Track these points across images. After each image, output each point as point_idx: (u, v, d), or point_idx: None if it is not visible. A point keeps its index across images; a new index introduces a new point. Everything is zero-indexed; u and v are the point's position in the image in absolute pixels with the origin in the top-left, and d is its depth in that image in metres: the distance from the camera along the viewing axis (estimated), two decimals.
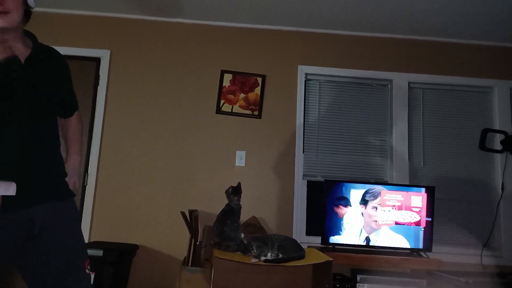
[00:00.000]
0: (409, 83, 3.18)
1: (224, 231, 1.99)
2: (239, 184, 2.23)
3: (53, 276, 1.21)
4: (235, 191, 2.17)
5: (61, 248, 1.23)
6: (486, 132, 3.06)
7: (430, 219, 2.68)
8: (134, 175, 2.89)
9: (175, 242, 2.83)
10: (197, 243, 2.43)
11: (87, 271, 1.29)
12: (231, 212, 2.07)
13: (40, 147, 1.23)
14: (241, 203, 2.20)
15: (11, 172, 1.14)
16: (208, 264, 2.32)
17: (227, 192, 2.20)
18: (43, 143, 1.25)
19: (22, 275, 1.23)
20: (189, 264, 2.35)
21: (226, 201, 2.20)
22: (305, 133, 3.09)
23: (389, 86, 3.20)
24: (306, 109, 3.14)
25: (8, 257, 1.15)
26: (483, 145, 3.06)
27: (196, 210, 2.55)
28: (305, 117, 3.12)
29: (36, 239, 1.19)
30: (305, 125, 3.11)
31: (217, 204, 2.13)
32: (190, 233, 2.46)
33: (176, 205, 2.86)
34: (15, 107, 1.17)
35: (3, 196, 1.05)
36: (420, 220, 2.68)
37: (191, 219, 2.47)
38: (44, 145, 1.26)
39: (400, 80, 3.17)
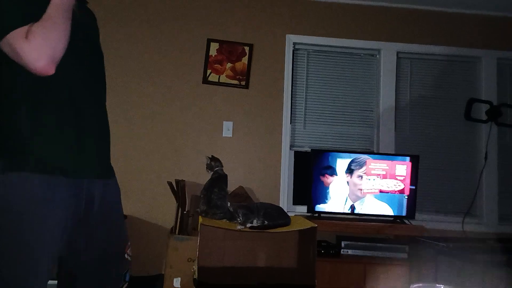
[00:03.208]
0: (397, 52, 3.16)
1: (211, 198, 2.00)
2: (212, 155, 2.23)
3: (96, 261, 1.11)
4: (214, 159, 2.17)
5: (108, 229, 1.13)
6: (471, 102, 3.08)
7: (414, 187, 2.73)
8: (119, 146, 2.86)
9: (162, 211, 2.85)
10: (184, 212, 2.45)
11: (126, 255, 1.18)
12: (218, 179, 2.08)
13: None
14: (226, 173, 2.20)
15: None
16: (195, 233, 2.35)
17: (207, 164, 2.19)
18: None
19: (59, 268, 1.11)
20: (176, 233, 2.38)
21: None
22: (292, 104, 3.08)
23: (377, 56, 3.18)
24: (294, 79, 3.11)
25: (63, 232, 1.01)
26: (469, 115, 3.09)
27: (183, 180, 2.55)
28: (293, 87, 3.10)
29: (91, 216, 1.08)
30: (293, 96, 3.09)
31: (204, 174, 2.13)
32: (177, 202, 2.48)
33: (163, 175, 2.86)
34: None
35: (68, 161, 1.01)
36: (404, 188, 2.74)
37: (178, 189, 2.48)
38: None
39: (389, 49, 3.15)
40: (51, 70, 0.93)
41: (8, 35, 0.90)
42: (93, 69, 1.15)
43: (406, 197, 2.74)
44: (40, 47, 0.90)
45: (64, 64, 0.98)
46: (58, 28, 0.95)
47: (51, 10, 0.95)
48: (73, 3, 1.01)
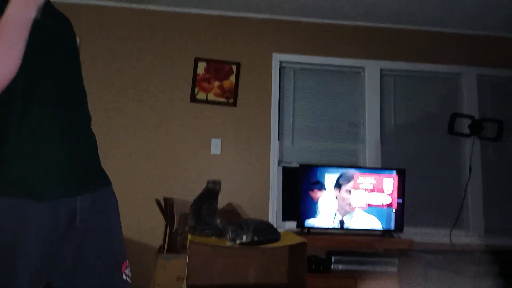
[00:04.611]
0: (381, 70, 3.25)
1: (200, 214, 1.99)
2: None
3: (87, 280, 1.02)
4: (215, 182, 2.13)
5: (99, 245, 1.04)
6: (454, 116, 3.17)
7: (401, 201, 2.76)
8: (107, 164, 2.83)
9: (150, 230, 2.81)
10: (173, 230, 2.43)
11: (124, 276, 1.07)
12: (208, 194, 2.07)
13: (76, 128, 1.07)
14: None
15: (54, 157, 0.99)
16: (184, 251, 2.32)
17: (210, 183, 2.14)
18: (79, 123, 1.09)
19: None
20: (165, 252, 2.35)
21: (201, 189, 2.19)
22: (280, 120, 3.12)
23: (362, 73, 3.26)
24: (281, 96, 3.16)
25: (43, 256, 0.95)
26: (452, 129, 3.17)
27: (171, 198, 2.54)
28: (281, 104, 3.14)
29: (74, 233, 1.01)
30: (281, 112, 3.13)
31: (193, 192, 2.12)
32: (165, 220, 2.45)
33: (151, 193, 2.83)
34: None
35: (42, 183, 0.94)
36: (391, 202, 2.76)
37: (166, 207, 2.46)
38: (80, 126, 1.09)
39: (372, 67, 3.23)
40: None
41: None
42: (68, 78, 1.08)
43: (394, 210, 2.76)
44: None
45: (33, 79, 0.93)
46: (5, 50, 0.86)
47: (1, 28, 0.87)
48: (32, 16, 0.90)
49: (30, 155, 0.95)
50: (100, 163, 1.15)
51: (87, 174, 1.07)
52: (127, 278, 1.09)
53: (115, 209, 1.13)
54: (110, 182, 1.15)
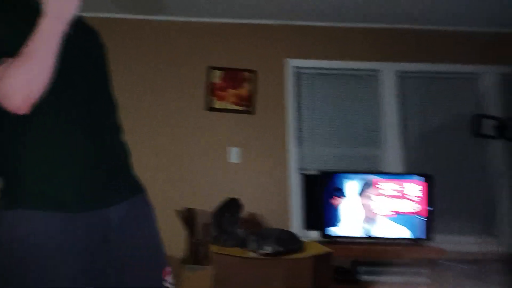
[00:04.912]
0: (397, 72, 3.17)
1: (222, 225, 1.93)
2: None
3: None
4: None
5: (135, 254, 1.01)
6: (478, 118, 3.06)
7: (430, 208, 2.65)
8: None
9: (172, 241, 2.75)
10: (195, 241, 2.37)
11: (166, 283, 1.03)
12: (229, 203, 2.02)
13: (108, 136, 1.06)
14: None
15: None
16: (207, 261, 2.26)
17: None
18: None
19: None
20: (188, 263, 2.29)
21: (222, 198, 2.15)
22: (298, 127, 3.06)
23: (378, 76, 3.19)
24: (298, 102, 3.11)
25: (78, 269, 0.92)
26: (477, 132, 3.05)
27: (192, 208, 2.49)
28: (298, 110, 3.09)
29: (110, 244, 0.99)
30: (298, 119, 3.08)
31: (213, 201, 2.08)
32: (187, 231, 2.40)
33: (170, 204, 2.79)
34: None
35: (73, 196, 0.93)
36: (419, 209, 2.65)
37: (188, 218, 2.41)
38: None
39: (388, 69, 3.16)
40: (24, 110, 0.87)
41: None
42: (97, 90, 1.07)
43: (423, 218, 2.65)
44: (12, 87, 0.85)
45: (61, 91, 0.93)
46: (37, 65, 0.87)
47: (33, 44, 0.87)
48: (63, 30, 0.91)
49: (60, 167, 0.94)
50: (132, 172, 1.13)
51: (120, 184, 1.05)
52: (170, 286, 1.05)
53: (151, 216, 1.11)
54: (144, 190, 1.13)
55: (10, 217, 0.90)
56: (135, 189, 1.10)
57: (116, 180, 1.04)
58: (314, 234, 2.81)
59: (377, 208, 2.65)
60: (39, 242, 0.88)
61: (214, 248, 1.89)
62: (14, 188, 0.92)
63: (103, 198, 0.99)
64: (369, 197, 2.66)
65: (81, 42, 1.04)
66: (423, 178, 2.69)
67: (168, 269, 1.05)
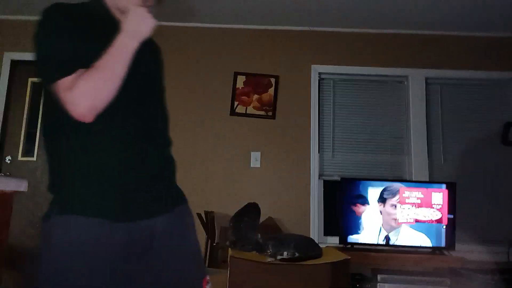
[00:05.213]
0: (426, 78, 3.11)
1: (240, 228, 1.97)
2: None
3: None
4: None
5: (177, 264, 1.02)
6: (509, 126, 2.96)
7: (452, 216, 2.60)
8: None
9: None
10: (214, 244, 2.43)
11: None
12: (249, 208, 2.06)
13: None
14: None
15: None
16: (225, 265, 2.31)
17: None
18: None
19: None
20: (206, 266, 2.35)
21: (242, 202, 2.19)
22: (320, 133, 3.06)
23: (405, 82, 3.14)
24: (320, 108, 3.11)
25: (118, 276, 0.95)
26: (507, 140, 2.96)
27: (212, 212, 2.55)
28: (320, 116, 3.09)
29: (151, 253, 1.00)
30: (320, 125, 3.08)
31: (233, 205, 2.12)
32: (206, 234, 2.46)
33: (192, 207, 2.86)
34: None
35: (118, 204, 0.96)
36: (441, 217, 2.61)
37: (207, 221, 2.47)
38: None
39: (417, 76, 3.11)
40: (88, 119, 0.92)
41: (54, 84, 0.91)
42: (151, 104, 1.11)
43: (445, 226, 2.60)
44: (80, 97, 0.90)
45: (119, 104, 0.96)
46: (107, 77, 0.92)
47: (107, 57, 0.92)
48: (136, 47, 0.96)
49: (108, 177, 0.97)
50: (175, 184, 1.16)
51: (164, 195, 1.07)
52: None
53: (192, 226, 1.13)
54: (186, 200, 1.16)
55: (63, 222, 0.94)
56: (179, 200, 1.13)
57: (163, 192, 1.07)
58: (333, 241, 2.82)
59: (398, 216, 2.62)
60: (85, 249, 0.92)
61: (231, 252, 1.93)
62: (69, 194, 0.97)
63: (147, 209, 1.01)
64: (390, 205, 2.64)
65: (144, 56, 1.07)
66: (444, 185, 2.64)
67: (207, 278, 1.07)
